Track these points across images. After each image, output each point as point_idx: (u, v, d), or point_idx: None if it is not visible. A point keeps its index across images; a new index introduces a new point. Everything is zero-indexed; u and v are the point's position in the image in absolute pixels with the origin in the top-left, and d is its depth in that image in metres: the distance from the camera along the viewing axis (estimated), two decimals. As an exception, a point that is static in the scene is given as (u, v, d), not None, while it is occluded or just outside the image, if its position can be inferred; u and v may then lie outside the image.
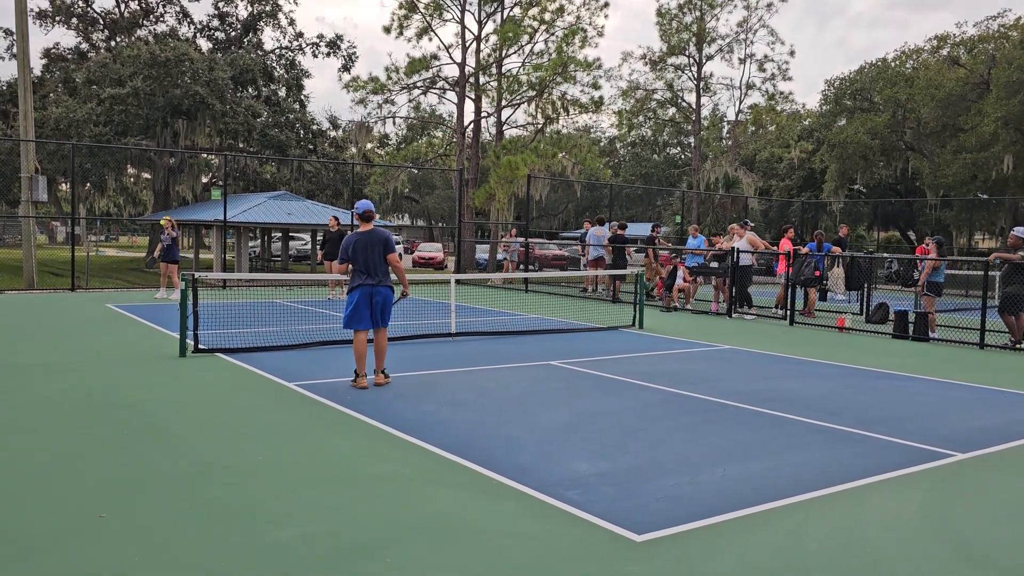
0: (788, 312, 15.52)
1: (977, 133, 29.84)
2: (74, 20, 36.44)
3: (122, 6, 37.05)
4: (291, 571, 3.81)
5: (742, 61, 39.22)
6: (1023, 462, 6.04)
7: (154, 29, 37.61)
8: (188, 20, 38.39)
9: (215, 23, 38.60)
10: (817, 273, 16.54)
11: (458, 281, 15.45)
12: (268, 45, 42.12)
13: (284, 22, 39.49)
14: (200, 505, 4.67)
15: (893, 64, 37.01)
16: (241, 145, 34.91)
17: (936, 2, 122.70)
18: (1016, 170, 29.57)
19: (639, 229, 36.95)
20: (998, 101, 28.76)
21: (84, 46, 37.36)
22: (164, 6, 37.72)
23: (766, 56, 39.12)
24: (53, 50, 37.18)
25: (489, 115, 32.36)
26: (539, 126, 32.71)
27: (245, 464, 5.49)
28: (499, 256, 26.63)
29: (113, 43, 36.98)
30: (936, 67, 33.61)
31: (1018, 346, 12.37)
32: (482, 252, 33.26)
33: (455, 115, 31.81)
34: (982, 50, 32.44)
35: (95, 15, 37.25)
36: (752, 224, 17.60)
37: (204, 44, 38.17)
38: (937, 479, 5.50)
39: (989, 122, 29.05)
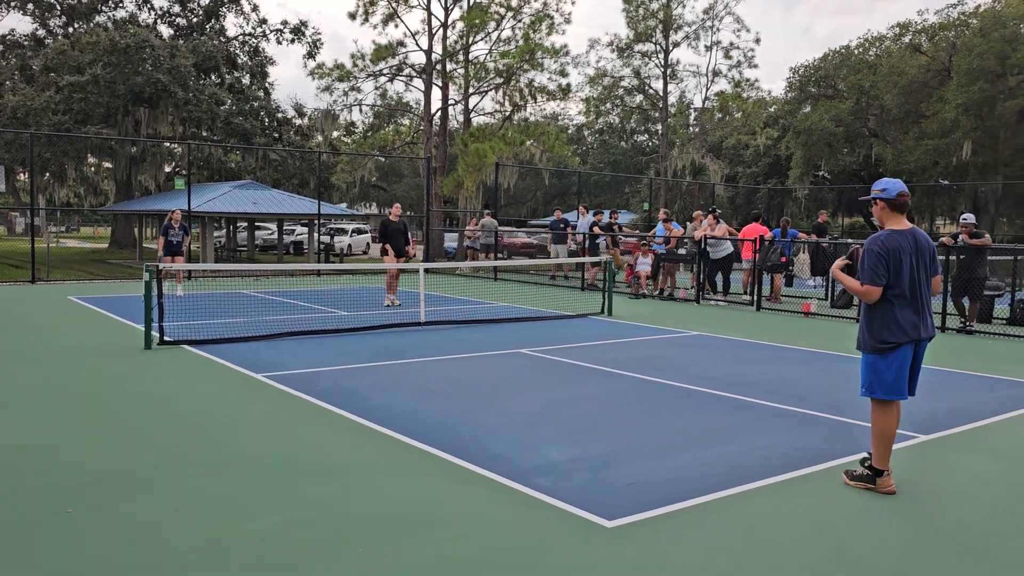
0: (755, 298, 15.70)
1: (938, 120, 30.30)
2: (30, 5, 35.55)
3: (80, -9, 36.26)
4: (265, 562, 3.79)
5: (708, 48, 39.44)
6: (984, 442, 6.18)
7: (113, 15, 36.86)
8: (148, 6, 37.69)
9: (176, 9, 37.94)
10: (783, 259, 16.73)
11: (427, 270, 15.39)
12: (231, 32, 41.58)
13: (247, 8, 39.08)
14: (170, 498, 4.62)
15: (856, 51, 37.41)
16: (205, 133, 34.41)
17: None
18: (975, 156, 30.09)
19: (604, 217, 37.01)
20: (958, 88, 29.22)
21: (41, 32, 36.50)
22: (123, -9, 37.00)
23: (732, 43, 39.41)
24: (9, 37, 36.29)
25: (456, 102, 32.24)
26: (507, 113, 32.65)
27: (215, 456, 5.44)
28: (466, 244, 26.63)
29: (71, 29, 36.18)
30: (898, 54, 34.03)
31: (969, 327, 12.64)
32: (451, 241, 33.18)
33: (422, 103, 31.65)
34: (943, 37, 32.89)
35: (52, 1, 36.38)
36: (719, 211, 17.75)
37: (165, 31, 37.52)
38: (902, 460, 5.60)
39: (950, 109, 29.51)
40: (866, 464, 5.08)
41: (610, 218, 20.82)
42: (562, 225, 21.79)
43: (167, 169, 38.49)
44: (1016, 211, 34.20)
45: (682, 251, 17.81)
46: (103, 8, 36.80)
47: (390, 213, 14.73)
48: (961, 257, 12.90)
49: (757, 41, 47.39)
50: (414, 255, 14.68)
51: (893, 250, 4.92)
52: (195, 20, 38.01)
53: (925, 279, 4.98)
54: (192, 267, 12.50)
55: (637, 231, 25.96)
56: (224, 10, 37.91)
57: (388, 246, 14.40)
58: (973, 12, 32.06)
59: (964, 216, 13.17)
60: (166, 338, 9.82)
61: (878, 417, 5.01)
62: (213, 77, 35.37)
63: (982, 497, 4.95)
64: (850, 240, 25.53)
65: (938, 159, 30.77)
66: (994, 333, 12.59)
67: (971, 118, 29.38)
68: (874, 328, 4.97)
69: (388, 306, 14.27)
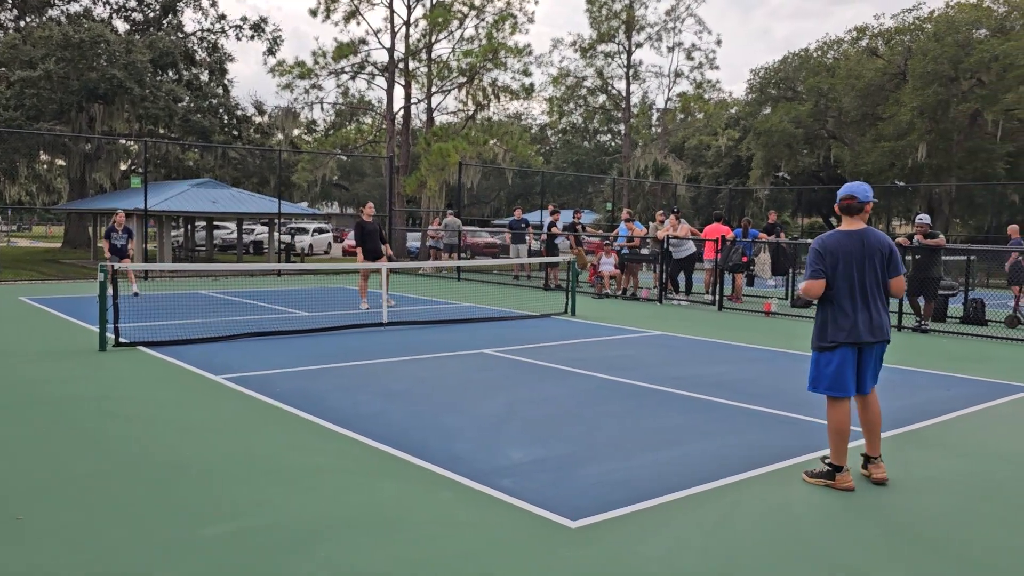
0: (717, 298, 15.83)
1: (894, 122, 30.88)
2: (-21, -2, 34.64)
3: (32, -16, 35.37)
4: (223, 568, 3.70)
5: (671, 49, 39.77)
6: (939, 439, 6.28)
7: (67, 9, 36.01)
8: (103, 0, 36.89)
9: (132, 3, 37.16)
10: (744, 259, 16.91)
11: (390, 270, 15.27)
12: (189, 27, 40.79)
13: (205, 3, 38.36)
14: (126, 503, 4.50)
15: (815, 54, 38.00)
16: (162, 131, 33.78)
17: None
18: (930, 158, 30.74)
19: (567, 216, 37.17)
20: (914, 91, 29.81)
21: (-9, 26, 35.56)
22: (77, -15, 36.18)
23: (694, 45, 39.86)
24: (-43, 30, 35.31)
25: (419, 101, 32.08)
26: (470, 113, 32.58)
27: (171, 460, 5.31)
28: (428, 244, 26.53)
29: (23, 23, 35.27)
30: (856, 58, 34.63)
31: (924, 326, 12.88)
32: (414, 240, 33.01)
33: (385, 101, 31.44)
34: (899, 41, 33.54)
35: (2, -7, 35.46)
36: (679, 211, 17.89)
37: (121, 26, 36.75)
38: (859, 458, 5.66)
39: (905, 111, 30.10)
40: (826, 461, 5.14)
41: (574, 218, 20.86)
42: (523, 224, 21.77)
43: (123, 167, 37.72)
44: (968, 212, 35.00)
45: (645, 251, 17.91)
46: (56, 2, 35.94)
47: (362, 213, 14.07)
48: (916, 257, 13.14)
49: (718, 43, 47.82)
50: (392, 256, 14.22)
51: (831, 250, 5.00)
52: (152, 15, 37.28)
53: (873, 281, 4.99)
54: (149, 267, 12.22)
55: (600, 231, 26.06)
56: (182, 5, 37.25)
57: (359, 249, 13.79)
58: (928, 17, 32.74)
59: (919, 217, 13.42)
60: (121, 340, 9.60)
61: (829, 413, 5.10)
62: (170, 73, 34.73)
63: (939, 492, 5.02)
64: (809, 240, 25.88)
65: (894, 161, 31.37)
66: (948, 332, 12.84)
67: (926, 121, 30.01)
68: (817, 326, 5.09)
69: (366, 310, 13.61)
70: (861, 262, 4.97)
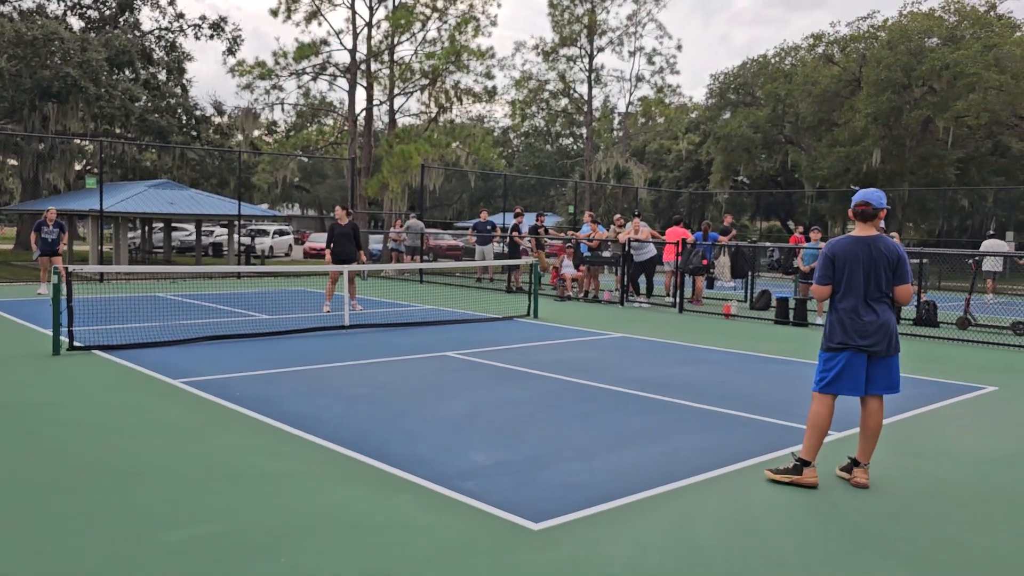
0: (677, 300, 15.99)
1: (850, 128, 31.49)
2: (-73, -7, 33.69)
3: (-18, -20, 34.52)
4: (184, 575, 3.65)
5: (632, 54, 40.02)
6: (895, 439, 6.42)
7: (19, 5, 35.13)
8: (58, -3, 36.11)
9: (87, 0, 36.44)
10: (704, 262, 17.10)
11: (351, 272, 15.15)
12: (146, 25, 40.21)
13: (163, 1, 37.68)
14: (80, 510, 4.41)
15: (773, 61, 38.58)
16: (118, 131, 33.16)
17: (812, 2, 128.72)
18: (884, 163, 31.39)
19: (529, 219, 37.29)
20: (868, 98, 30.42)
21: (-61, 22, 34.60)
22: (30, -19, 35.36)
23: (655, 49, 40.08)
24: (-97, 25, 34.27)
25: (381, 103, 31.89)
26: (432, 115, 32.47)
27: (128, 466, 5.22)
28: (390, 246, 26.41)
29: (-27, 19, 34.40)
30: (812, 64, 35.22)
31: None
32: (376, 243, 32.83)
33: (346, 102, 31.21)
34: (854, 49, 34.19)
35: (-49, -12, 34.54)
36: (641, 214, 18.04)
37: (76, 23, 36.00)
38: (818, 458, 5.76)
39: (860, 118, 30.70)
40: (796, 456, 5.25)
41: (537, 220, 20.92)
42: (488, 227, 21.78)
43: (77, 167, 36.91)
44: (921, 216, 35.81)
45: (606, 254, 18.03)
46: (8, -2, 35.11)
47: (335, 216, 14.01)
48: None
49: (679, 48, 48.45)
50: (365, 261, 14.26)
51: (841, 255, 5.12)
52: (108, 13, 36.59)
53: (877, 287, 5.06)
54: (105, 269, 11.98)
55: (563, 234, 26.17)
56: (139, 3, 36.61)
57: (327, 251, 13.79)
58: (882, 25, 33.43)
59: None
60: (76, 343, 9.41)
61: (813, 407, 5.24)
62: (127, 72, 34.12)
63: (895, 492, 5.13)
64: (767, 243, 26.24)
65: (849, 166, 31.98)
66: (901, 334, 13.12)
67: (880, 127, 30.64)
68: (826, 328, 5.27)
69: (327, 312, 13.62)
70: (868, 268, 5.06)
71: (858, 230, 5.21)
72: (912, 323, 14.15)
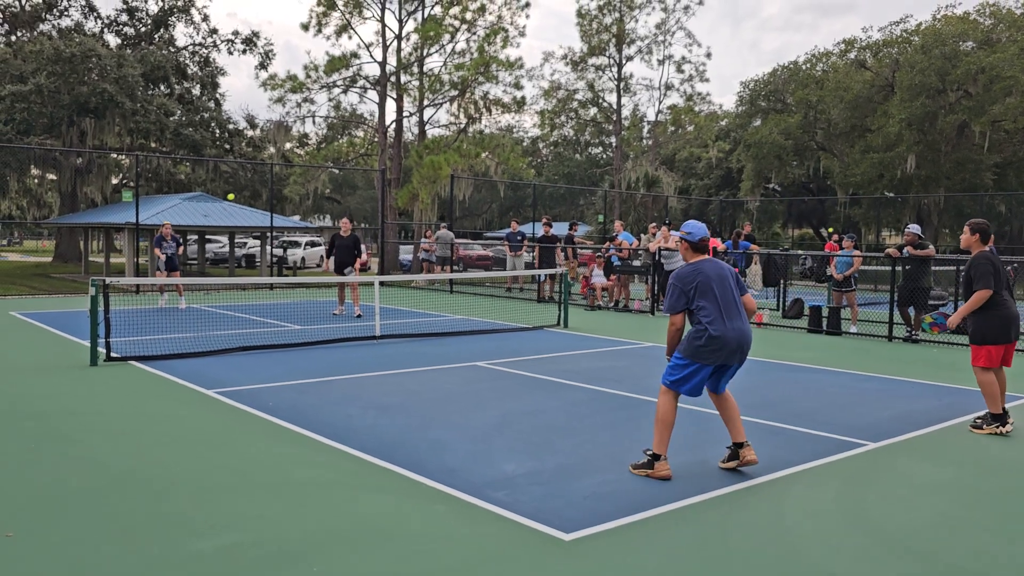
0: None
1: (883, 134, 31.07)
2: (-30, 13, 34.60)
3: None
4: (212, 585, 3.69)
5: (661, 62, 39.99)
6: (931, 449, 6.31)
7: (58, 23, 36.02)
8: (95, 15, 36.87)
9: (123, 18, 37.19)
10: (736, 270, 16.96)
11: (382, 283, 15.30)
12: (181, 41, 40.87)
13: (197, 18, 38.43)
14: (115, 518, 4.48)
15: (804, 67, 38.23)
16: (153, 145, 33.74)
17: (843, 6, 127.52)
18: (919, 169, 30.92)
19: (560, 228, 37.32)
20: (902, 103, 30.02)
21: (-18, 41, 35.52)
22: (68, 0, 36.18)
23: (684, 57, 40.11)
24: (-52, 45, 35.23)
25: (411, 114, 32.14)
26: (462, 126, 32.66)
27: (163, 475, 5.30)
28: (420, 256, 26.54)
29: (14, 38, 35.26)
30: (844, 70, 34.86)
31: (915, 336, 12.94)
32: (406, 253, 33.02)
33: (376, 114, 31.49)
34: (887, 54, 33.78)
35: (-7, 8, 35.44)
36: (671, 222, 17.96)
37: (112, 40, 36.77)
38: (852, 468, 5.69)
39: (894, 123, 30.29)
40: (648, 452, 5.48)
41: (570, 230, 20.95)
42: (519, 237, 21.81)
43: (114, 181, 37.62)
44: (957, 223, 35.14)
45: (637, 263, 17.96)
46: (47, 16, 35.95)
47: (340, 226, 15.21)
48: (906, 268, 13.21)
49: (708, 56, 48.26)
50: (360, 269, 15.11)
51: (691, 277, 5.62)
52: (143, 29, 37.31)
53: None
54: (140, 281, 12.20)
55: (592, 243, 26.12)
56: (173, 19, 37.30)
57: (327, 261, 15.24)
58: (915, 30, 33.00)
59: (909, 227, 13.46)
60: (113, 354, 9.57)
61: (660, 400, 5.50)
62: (162, 87, 34.74)
63: (930, 503, 5.04)
64: (799, 251, 25.96)
65: (883, 172, 31.55)
66: (939, 342, 12.90)
67: (914, 132, 30.20)
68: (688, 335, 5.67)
69: (337, 314, 15.04)
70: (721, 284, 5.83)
71: (693, 259, 5.84)
72: (950, 332, 13.90)
